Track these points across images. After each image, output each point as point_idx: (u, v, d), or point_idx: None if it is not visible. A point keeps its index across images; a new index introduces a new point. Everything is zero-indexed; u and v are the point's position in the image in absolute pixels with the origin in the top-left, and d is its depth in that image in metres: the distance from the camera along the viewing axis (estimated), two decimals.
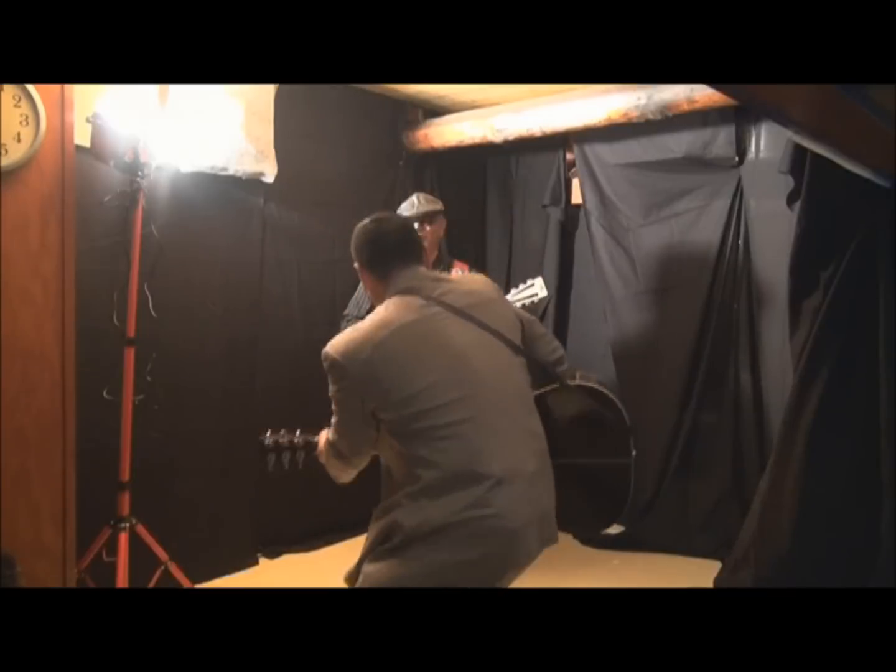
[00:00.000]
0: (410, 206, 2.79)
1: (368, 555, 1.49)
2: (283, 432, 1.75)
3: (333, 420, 1.55)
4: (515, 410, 1.54)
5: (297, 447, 1.74)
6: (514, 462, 1.46)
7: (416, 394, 1.44)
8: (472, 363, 1.51)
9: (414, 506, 1.42)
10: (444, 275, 1.73)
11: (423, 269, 1.64)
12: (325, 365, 1.51)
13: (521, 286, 2.65)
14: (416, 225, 2.76)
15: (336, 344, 1.51)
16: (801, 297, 2.70)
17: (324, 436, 1.66)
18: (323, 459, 1.66)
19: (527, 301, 2.63)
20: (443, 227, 2.89)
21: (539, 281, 2.63)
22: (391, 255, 1.62)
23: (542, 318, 4.07)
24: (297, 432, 1.74)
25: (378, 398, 1.47)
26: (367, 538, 1.53)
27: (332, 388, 1.51)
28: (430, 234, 2.78)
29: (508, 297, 2.62)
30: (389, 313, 1.53)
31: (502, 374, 1.56)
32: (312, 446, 1.73)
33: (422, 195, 2.86)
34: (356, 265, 1.70)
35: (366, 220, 1.69)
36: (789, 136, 2.47)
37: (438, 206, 2.85)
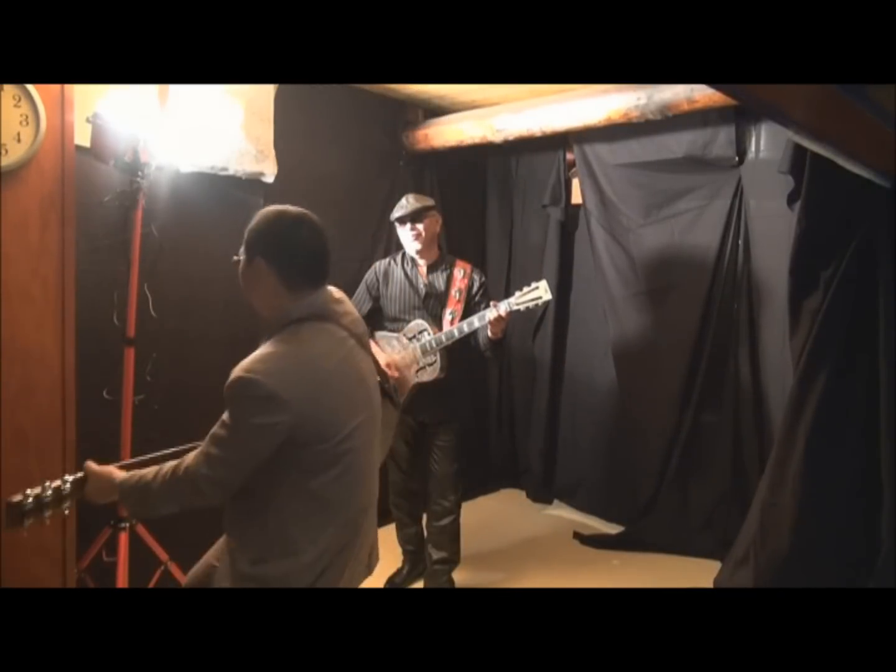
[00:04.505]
0: (401, 208, 2.80)
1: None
2: (30, 491, 1.44)
3: (219, 451, 1.34)
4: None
5: (49, 500, 1.45)
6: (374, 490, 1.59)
7: (347, 434, 1.42)
8: (371, 394, 1.57)
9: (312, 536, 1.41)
10: (336, 292, 1.61)
11: (329, 289, 1.54)
12: (253, 394, 1.29)
13: (526, 289, 2.57)
14: (408, 224, 2.77)
15: (273, 374, 1.31)
16: (801, 297, 2.69)
17: (167, 468, 1.44)
18: (161, 496, 1.42)
19: (531, 304, 2.55)
20: (438, 223, 2.85)
21: (543, 284, 2.56)
22: (310, 267, 1.46)
23: (542, 318, 4.07)
24: (46, 484, 1.47)
25: (305, 438, 1.35)
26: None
27: (251, 421, 1.30)
28: (424, 231, 2.76)
29: (512, 299, 2.57)
30: (322, 344, 1.44)
31: (377, 401, 1.62)
32: (64, 495, 1.48)
33: (412, 195, 2.85)
34: (248, 257, 1.51)
35: (277, 209, 1.49)
36: (789, 136, 2.47)
37: (429, 202, 2.82)
